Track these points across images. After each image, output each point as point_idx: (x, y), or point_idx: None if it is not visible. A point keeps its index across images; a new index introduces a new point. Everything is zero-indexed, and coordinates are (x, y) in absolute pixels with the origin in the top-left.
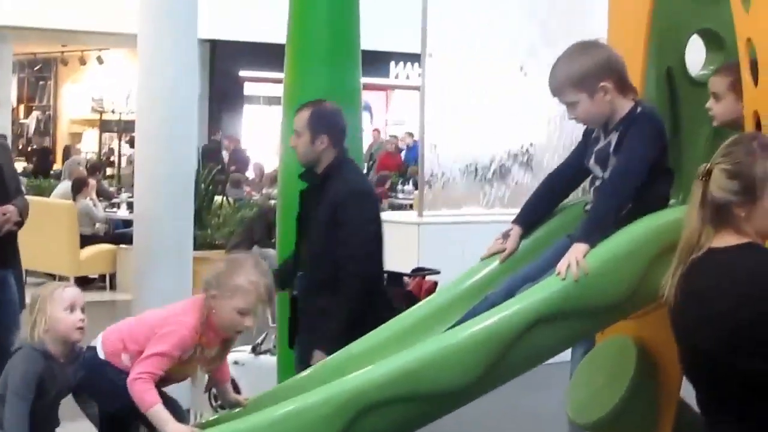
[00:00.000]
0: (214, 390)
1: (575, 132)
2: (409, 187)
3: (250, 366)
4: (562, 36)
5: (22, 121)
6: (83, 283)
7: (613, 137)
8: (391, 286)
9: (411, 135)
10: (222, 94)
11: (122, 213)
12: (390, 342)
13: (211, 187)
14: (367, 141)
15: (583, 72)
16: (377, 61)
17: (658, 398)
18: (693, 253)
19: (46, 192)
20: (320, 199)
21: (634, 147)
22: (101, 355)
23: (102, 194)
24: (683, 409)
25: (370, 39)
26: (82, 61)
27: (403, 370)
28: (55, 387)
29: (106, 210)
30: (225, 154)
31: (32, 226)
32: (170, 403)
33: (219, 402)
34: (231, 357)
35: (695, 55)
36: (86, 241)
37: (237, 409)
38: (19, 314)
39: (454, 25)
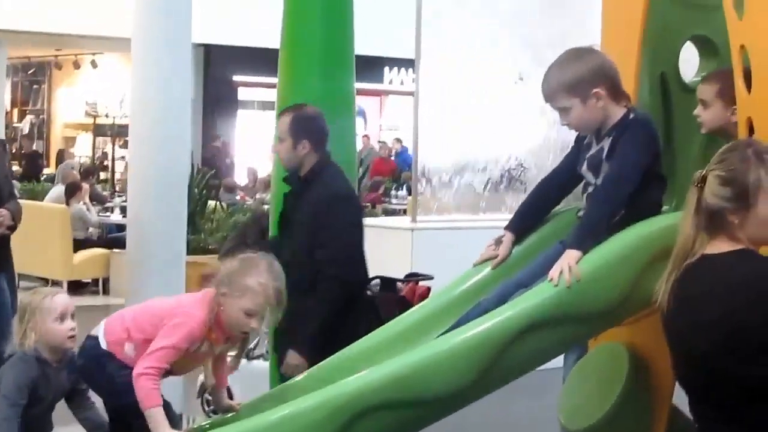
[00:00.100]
0: (206, 395)
1: (568, 138)
2: (403, 192)
3: (243, 371)
4: (557, 42)
5: (15, 124)
6: (76, 287)
7: (606, 143)
8: (382, 292)
9: (399, 141)
10: (216, 99)
11: (115, 217)
12: (383, 347)
13: (204, 192)
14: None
15: (577, 78)
16: (371, 67)
17: (650, 404)
18: (687, 260)
19: (39, 196)
20: (303, 202)
21: (627, 153)
22: (103, 344)
23: (95, 198)
24: (676, 415)
25: (364, 44)
26: (76, 65)
27: (397, 375)
28: (50, 392)
29: (100, 214)
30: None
31: (25, 230)
32: (164, 407)
33: (212, 407)
34: None
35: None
36: (79, 245)
37: (230, 414)
38: (12, 319)
39: (449, 30)
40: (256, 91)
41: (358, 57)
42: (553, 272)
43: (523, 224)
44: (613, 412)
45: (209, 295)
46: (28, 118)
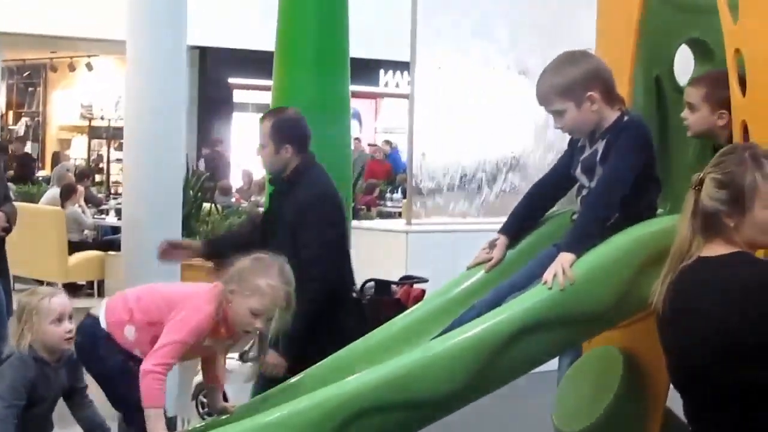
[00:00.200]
0: (201, 397)
1: (562, 141)
2: (398, 195)
3: (238, 373)
4: (552, 45)
5: (11, 127)
6: (71, 289)
7: (600, 146)
8: (377, 295)
9: (389, 142)
10: (211, 101)
11: (110, 219)
12: (377, 349)
13: (199, 194)
14: None
15: (571, 81)
16: (366, 69)
17: (644, 407)
18: (683, 261)
19: (34, 198)
20: (287, 202)
21: (621, 157)
22: (103, 324)
23: (90, 201)
24: (669, 418)
25: (359, 47)
26: (72, 68)
27: (391, 378)
28: (50, 391)
29: (95, 216)
30: (202, 162)
31: (20, 232)
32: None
33: (206, 409)
34: None
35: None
36: (74, 247)
37: (224, 416)
38: (8, 321)
39: (444, 33)
40: (251, 94)
41: (353, 59)
42: (547, 275)
43: (516, 227)
44: (607, 415)
45: (217, 290)
46: (24, 120)
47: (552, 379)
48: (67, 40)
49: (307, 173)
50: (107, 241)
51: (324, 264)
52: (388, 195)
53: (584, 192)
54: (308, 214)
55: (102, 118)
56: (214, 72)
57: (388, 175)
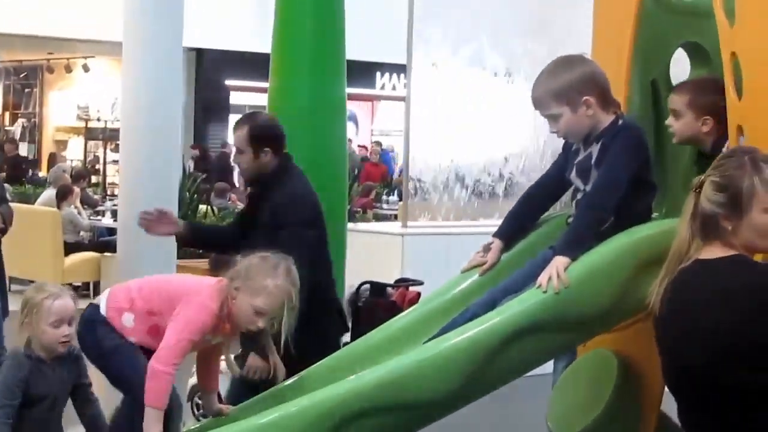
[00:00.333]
0: (196, 399)
1: (559, 144)
2: (394, 197)
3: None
4: (548, 48)
5: (7, 128)
6: None
7: (594, 149)
8: (372, 297)
9: (379, 144)
10: (207, 103)
11: (106, 221)
12: (372, 352)
13: (195, 196)
14: None
15: (567, 85)
16: (363, 72)
17: (639, 411)
18: (682, 263)
19: (30, 199)
20: (264, 203)
21: (616, 160)
22: (103, 310)
23: (86, 202)
24: (664, 421)
25: (355, 49)
26: (68, 69)
27: (385, 380)
28: (49, 389)
29: (91, 218)
30: (191, 163)
31: (16, 233)
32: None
33: (201, 411)
34: None
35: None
36: (70, 248)
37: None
38: (2, 321)
39: (440, 35)
40: (247, 96)
41: (350, 62)
42: (542, 278)
43: (511, 231)
44: (602, 419)
45: (222, 285)
46: (20, 121)
47: (547, 382)
48: (64, 42)
49: (284, 174)
50: (103, 242)
51: (303, 266)
52: (384, 197)
53: (579, 195)
54: (285, 214)
55: (98, 120)
56: (211, 74)
57: (384, 177)
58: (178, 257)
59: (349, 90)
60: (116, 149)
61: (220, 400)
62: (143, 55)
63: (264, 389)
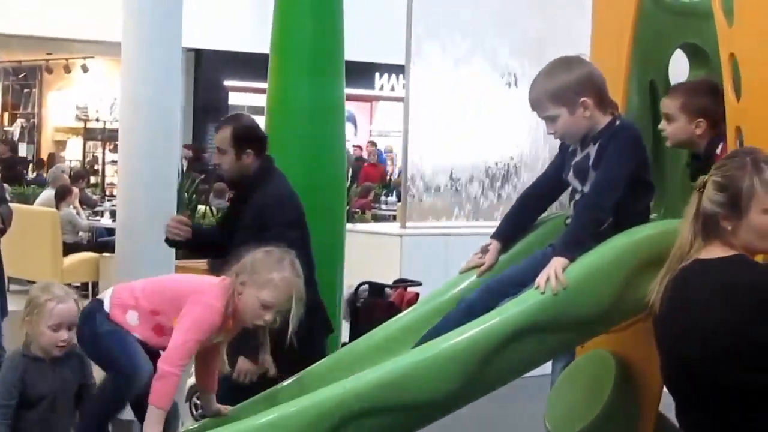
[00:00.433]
0: (194, 399)
1: (558, 143)
2: (393, 198)
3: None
4: (547, 49)
5: (6, 128)
6: None
7: (591, 150)
8: (371, 298)
9: (373, 144)
10: (206, 104)
11: (105, 221)
12: (371, 352)
13: (194, 196)
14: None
15: (564, 87)
16: (362, 72)
17: (637, 412)
18: (682, 263)
19: (29, 200)
20: (247, 206)
21: (613, 161)
22: (106, 306)
23: (85, 202)
24: (662, 422)
25: (354, 50)
26: (67, 69)
27: (384, 381)
28: (48, 389)
29: (90, 218)
30: (185, 162)
31: (15, 233)
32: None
33: (200, 411)
34: None
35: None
36: (69, 249)
37: (218, 418)
38: (1, 321)
39: (439, 36)
40: (246, 96)
41: (349, 62)
42: (540, 279)
43: (509, 232)
44: (600, 420)
45: (226, 283)
46: (19, 121)
47: (546, 383)
48: (63, 42)
49: (266, 176)
50: (102, 242)
51: None
52: (383, 198)
53: (577, 196)
54: (268, 215)
55: (97, 120)
56: (210, 74)
57: (382, 178)
58: (177, 257)
59: (347, 90)
60: (115, 149)
61: (218, 400)
62: (142, 56)
63: (253, 392)
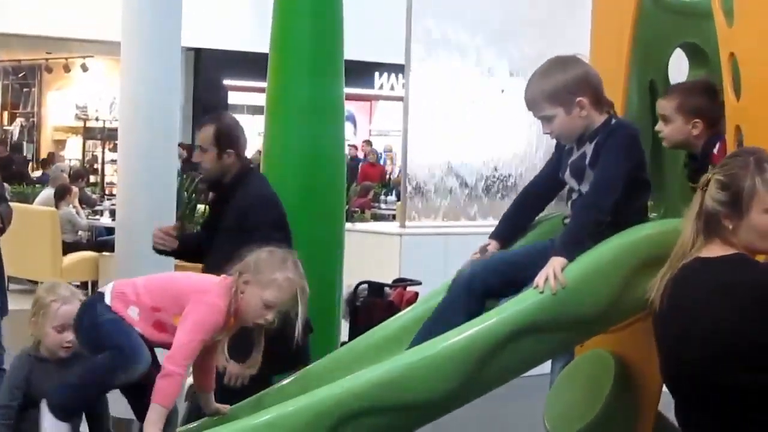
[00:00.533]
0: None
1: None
2: (392, 197)
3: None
4: (546, 48)
5: (6, 127)
6: None
7: (588, 149)
8: (370, 297)
9: (369, 143)
10: (206, 103)
11: (105, 220)
12: (370, 351)
13: (194, 196)
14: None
15: (560, 87)
16: (361, 71)
17: (636, 411)
18: (684, 261)
19: (29, 199)
20: (228, 208)
21: (611, 160)
22: (108, 299)
23: (85, 201)
24: (661, 421)
25: (354, 49)
26: (67, 69)
27: (382, 380)
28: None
29: (89, 217)
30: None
31: (14, 232)
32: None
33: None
34: None
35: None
36: (68, 248)
37: (216, 418)
38: (1, 320)
39: (439, 35)
40: (246, 96)
41: (348, 62)
42: (539, 279)
43: (507, 232)
44: (599, 419)
45: (228, 282)
46: (18, 121)
47: (544, 383)
48: (63, 41)
49: (247, 177)
50: (101, 242)
51: None
52: (382, 197)
53: (574, 196)
54: (255, 215)
55: (97, 119)
56: (209, 73)
57: (382, 177)
58: None
59: (347, 90)
60: (115, 149)
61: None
62: (142, 55)
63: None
